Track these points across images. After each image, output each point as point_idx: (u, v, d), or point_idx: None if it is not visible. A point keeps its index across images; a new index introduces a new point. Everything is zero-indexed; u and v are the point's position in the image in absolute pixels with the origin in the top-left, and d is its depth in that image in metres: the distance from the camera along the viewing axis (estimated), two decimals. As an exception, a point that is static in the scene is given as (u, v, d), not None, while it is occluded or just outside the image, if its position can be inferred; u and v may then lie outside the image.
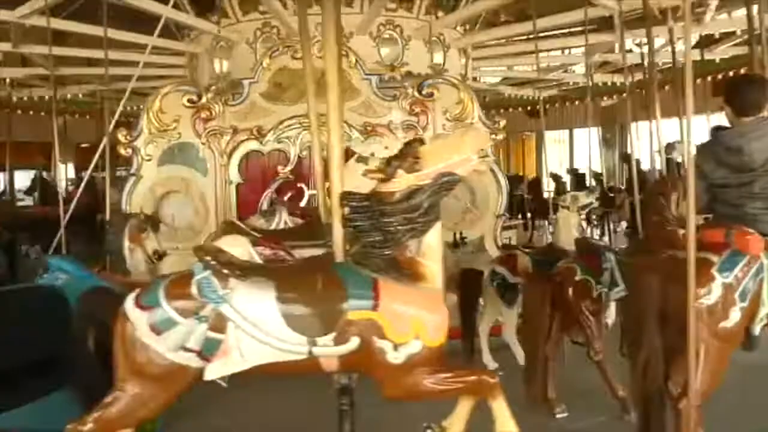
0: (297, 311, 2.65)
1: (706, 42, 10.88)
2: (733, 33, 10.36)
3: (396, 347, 2.63)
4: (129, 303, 2.68)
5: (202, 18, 8.58)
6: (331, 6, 3.22)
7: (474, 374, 2.78)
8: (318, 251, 4.27)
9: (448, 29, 9.13)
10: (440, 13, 9.07)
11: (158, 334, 2.61)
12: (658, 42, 10.31)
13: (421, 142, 2.82)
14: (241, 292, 2.65)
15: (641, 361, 3.32)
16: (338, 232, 2.99)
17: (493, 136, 6.83)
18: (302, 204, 6.71)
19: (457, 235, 5.89)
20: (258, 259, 4.23)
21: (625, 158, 13.88)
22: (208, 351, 2.62)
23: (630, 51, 10.97)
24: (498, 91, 14.81)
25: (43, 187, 13.50)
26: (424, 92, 6.80)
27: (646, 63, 10.67)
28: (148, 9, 7.50)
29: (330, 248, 4.03)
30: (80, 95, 13.42)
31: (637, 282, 3.54)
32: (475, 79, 11.69)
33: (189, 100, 6.75)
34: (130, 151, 6.74)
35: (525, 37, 10.65)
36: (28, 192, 14.84)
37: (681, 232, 4.58)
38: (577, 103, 15.47)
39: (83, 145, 15.70)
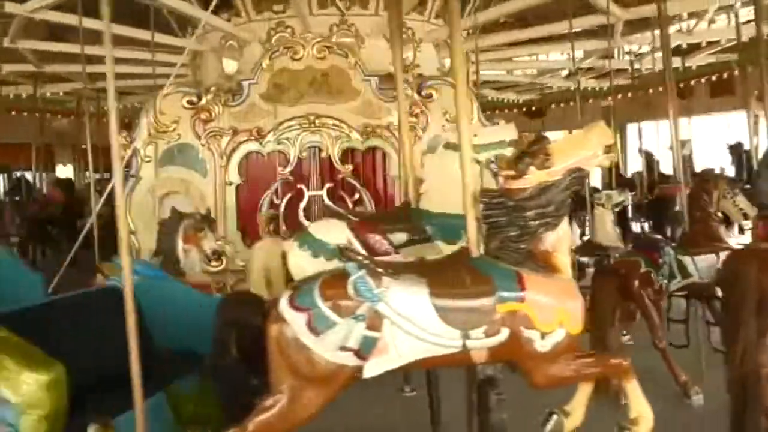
0: (450, 306, 2.73)
1: (691, 48, 10.97)
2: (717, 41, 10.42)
3: (543, 336, 2.76)
4: (284, 305, 2.70)
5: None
6: (457, 20, 3.34)
7: (610, 358, 2.97)
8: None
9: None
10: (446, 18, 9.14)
11: (317, 335, 2.65)
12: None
13: (548, 139, 2.96)
14: (395, 290, 2.71)
15: (739, 350, 3.54)
16: (472, 228, 3.09)
17: (493, 137, 6.82)
18: (302, 205, 6.72)
19: (457, 236, 5.86)
20: (356, 243, 4.36)
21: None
22: (365, 350, 2.67)
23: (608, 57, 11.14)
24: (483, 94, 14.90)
25: (27, 189, 13.49)
26: (423, 93, 6.80)
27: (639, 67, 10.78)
28: (160, 3, 7.49)
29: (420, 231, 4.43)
30: (61, 93, 13.42)
31: (733, 273, 3.77)
32: (475, 83, 11.72)
33: (188, 102, 6.76)
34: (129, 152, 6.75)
35: (526, 40, 10.72)
36: (11, 193, 14.79)
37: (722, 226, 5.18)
38: (572, 103, 15.53)
39: (83, 146, 15.68)
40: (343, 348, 2.65)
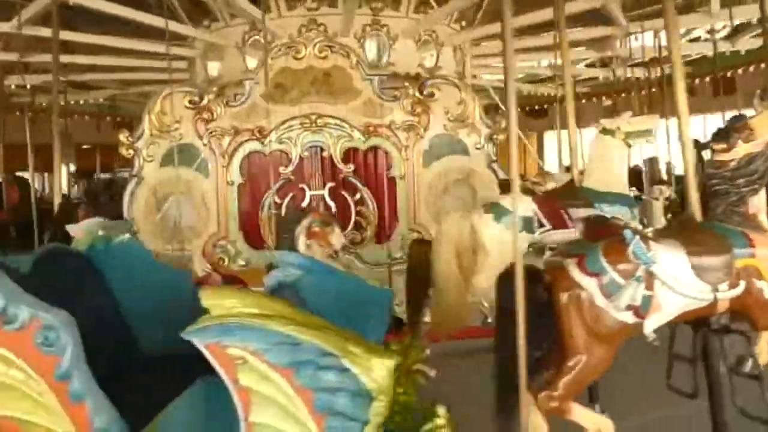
0: (703, 264, 3.20)
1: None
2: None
3: None
4: (575, 272, 3.09)
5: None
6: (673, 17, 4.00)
7: None
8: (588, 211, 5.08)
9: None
10: (462, 23, 9.36)
11: (608, 297, 3.04)
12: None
13: (747, 117, 3.51)
14: (661, 252, 3.14)
15: None
16: (695, 197, 3.68)
17: (494, 136, 6.83)
18: (304, 205, 6.72)
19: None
20: (541, 216, 4.98)
21: None
22: (644, 308, 3.08)
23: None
24: None
25: None
26: (425, 92, 6.80)
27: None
28: None
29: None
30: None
31: None
32: (474, 77, 11.81)
33: (190, 101, 6.76)
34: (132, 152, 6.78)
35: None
36: None
37: None
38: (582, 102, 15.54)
39: (85, 147, 15.62)
40: (629, 307, 3.04)
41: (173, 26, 8.58)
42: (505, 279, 3.14)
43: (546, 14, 8.12)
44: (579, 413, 3.13)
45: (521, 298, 2.83)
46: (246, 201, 6.85)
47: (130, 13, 8.05)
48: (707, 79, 12.20)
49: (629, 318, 3.07)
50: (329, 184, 6.77)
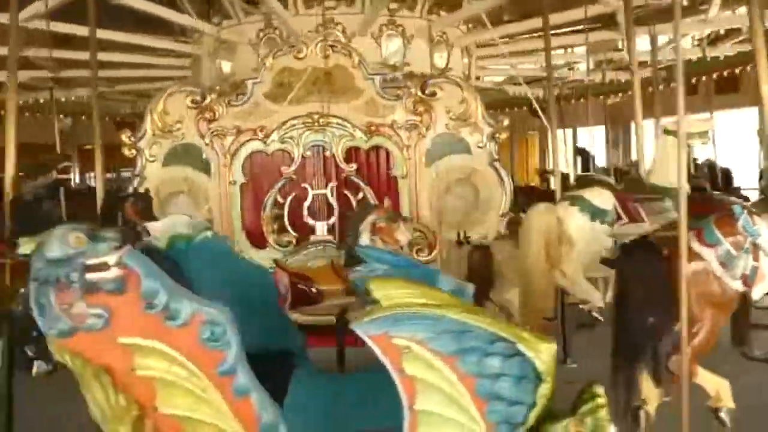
0: None
1: (713, 39, 10.97)
2: (739, 30, 10.40)
3: None
4: (695, 243, 3.37)
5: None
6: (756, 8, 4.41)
7: None
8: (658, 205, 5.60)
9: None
10: (469, 25, 9.47)
11: (724, 267, 3.36)
12: (662, 39, 10.49)
13: None
14: (764, 226, 3.45)
15: None
16: None
17: (496, 135, 6.82)
18: (306, 204, 6.72)
19: (461, 234, 5.87)
20: (619, 209, 5.36)
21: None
22: (751, 277, 3.40)
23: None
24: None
25: None
26: (427, 92, 6.79)
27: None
28: None
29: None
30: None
31: None
32: (478, 78, 11.81)
33: (193, 101, 6.76)
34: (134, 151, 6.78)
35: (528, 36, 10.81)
36: None
37: None
38: (582, 101, 15.51)
39: (87, 147, 15.57)
40: (741, 276, 3.36)
41: (185, 22, 8.60)
42: (628, 257, 3.47)
43: (558, 18, 8.16)
44: (702, 376, 3.40)
45: (684, 276, 3.05)
46: (248, 200, 6.85)
47: (137, 3, 8.04)
48: (703, 78, 12.19)
49: (740, 286, 3.39)
50: (331, 184, 6.77)
